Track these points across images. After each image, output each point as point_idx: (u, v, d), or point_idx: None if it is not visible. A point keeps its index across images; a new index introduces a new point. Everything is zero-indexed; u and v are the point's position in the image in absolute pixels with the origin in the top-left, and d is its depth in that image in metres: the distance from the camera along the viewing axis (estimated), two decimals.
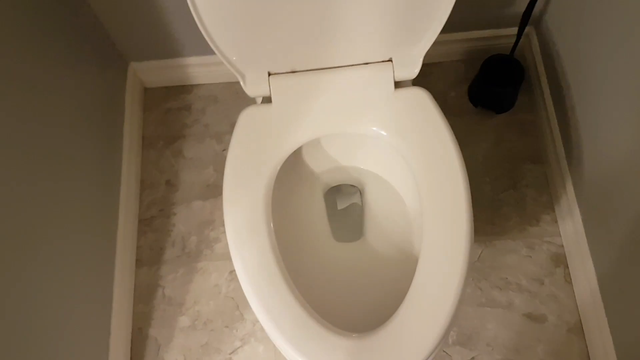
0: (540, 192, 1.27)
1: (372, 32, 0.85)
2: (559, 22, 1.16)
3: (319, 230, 1.02)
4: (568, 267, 1.20)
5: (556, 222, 1.24)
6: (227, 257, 1.24)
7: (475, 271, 1.21)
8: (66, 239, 0.96)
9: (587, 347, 1.14)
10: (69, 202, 0.99)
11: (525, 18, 1.14)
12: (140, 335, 1.19)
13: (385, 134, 0.88)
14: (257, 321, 1.18)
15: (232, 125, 0.90)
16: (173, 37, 1.22)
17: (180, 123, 1.37)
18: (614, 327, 1.03)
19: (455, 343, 1.16)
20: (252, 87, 0.90)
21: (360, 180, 1.06)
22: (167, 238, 1.27)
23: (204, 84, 1.40)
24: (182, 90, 1.40)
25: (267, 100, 0.92)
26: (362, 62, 0.90)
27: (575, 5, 1.07)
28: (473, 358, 1.14)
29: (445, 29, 1.27)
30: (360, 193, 1.05)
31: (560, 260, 1.21)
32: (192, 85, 1.40)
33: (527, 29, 1.27)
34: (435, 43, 0.89)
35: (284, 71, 0.90)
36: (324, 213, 1.04)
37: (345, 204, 1.04)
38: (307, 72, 0.90)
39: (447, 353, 1.15)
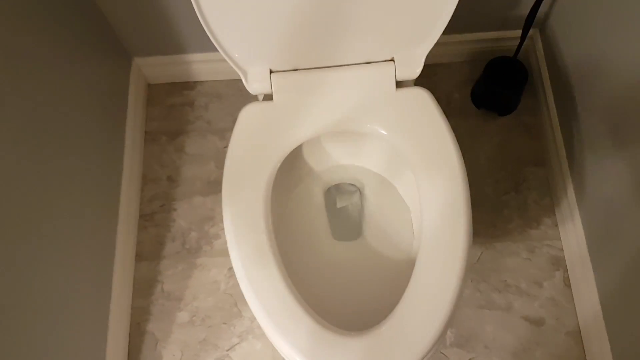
0: (541, 195, 1.26)
1: (374, 32, 0.85)
2: (563, 25, 1.15)
3: (317, 229, 1.02)
4: (567, 271, 1.19)
5: (557, 225, 1.24)
6: (226, 253, 1.23)
7: (475, 273, 1.21)
8: (66, 232, 0.97)
9: (584, 351, 1.13)
10: (69, 195, 0.99)
11: (530, 20, 1.13)
12: (138, 329, 1.19)
13: (385, 133, 0.88)
14: (256, 319, 1.18)
15: (235, 122, 0.91)
16: (177, 33, 1.23)
17: (183, 119, 1.37)
18: (612, 331, 1.03)
19: (453, 344, 1.16)
20: (254, 85, 0.90)
21: (360, 179, 1.06)
22: (167, 233, 1.27)
23: (208, 81, 1.40)
24: (185, 87, 1.40)
25: (268, 97, 0.92)
26: (364, 61, 0.90)
27: (579, 8, 1.07)
28: None
29: (450, 31, 1.27)
30: (360, 192, 1.05)
31: (560, 263, 1.20)
32: (196, 82, 1.40)
33: (531, 31, 1.27)
34: (439, 44, 0.89)
35: (286, 69, 0.90)
36: (323, 211, 1.04)
37: (344, 202, 1.04)
38: (309, 70, 0.90)
39: (444, 354, 1.15)
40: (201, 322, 1.19)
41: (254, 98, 1.02)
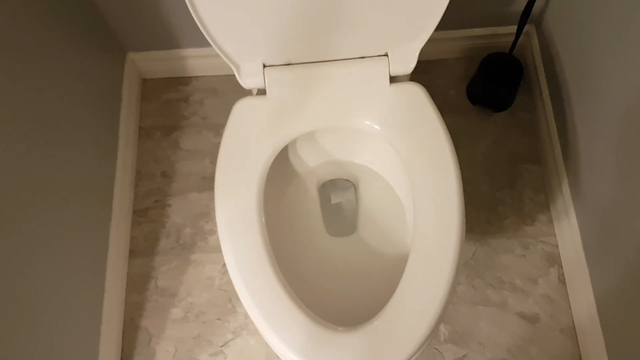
0: (536, 192, 1.26)
1: (367, 27, 0.85)
2: (559, 21, 1.15)
3: (312, 224, 1.02)
4: (562, 268, 1.19)
5: (552, 222, 1.23)
6: (221, 249, 1.24)
7: (470, 269, 1.21)
8: (59, 227, 0.96)
9: (579, 348, 1.13)
10: (62, 190, 0.99)
11: (525, 16, 1.13)
12: (132, 325, 1.19)
13: (379, 128, 0.88)
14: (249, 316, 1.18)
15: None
16: (172, 27, 1.22)
17: (177, 115, 1.37)
18: (606, 328, 1.03)
19: (447, 341, 1.15)
20: (247, 79, 0.90)
21: (354, 174, 1.06)
22: (161, 229, 1.27)
23: (203, 76, 1.40)
24: (180, 82, 1.39)
25: (262, 92, 0.92)
26: (357, 56, 0.90)
27: (575, 4, 1.06)
28: (465, 356, 1.14)
29: (445, 26, 1.27)
30: (355, 187, 1.05)
31: (555, 260, 1.20)
32: (191, 77, 1.40)
33: (526, 27, 1.27)
34: (435, 40, 0.89)
35: (279, 63, 0.90)
36: (318, 207, 1.04)
37: (339, 198, 1.04)
38: (303, 64, 0.90)
39: (438, 350, 1.15)
40: (195, 318, 1.19)
41: (249, 93, 1.01)
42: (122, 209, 1.22)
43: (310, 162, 1.04)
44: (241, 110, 0.89)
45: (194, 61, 1.34)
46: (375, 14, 0.83)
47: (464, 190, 0.84)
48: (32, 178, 0.89)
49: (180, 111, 1.37)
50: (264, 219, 0.84)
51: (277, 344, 0.77)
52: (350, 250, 1.01)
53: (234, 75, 0.91)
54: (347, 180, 1.06)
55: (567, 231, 1.16)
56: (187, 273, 1.23)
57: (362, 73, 0.89)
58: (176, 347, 1.17)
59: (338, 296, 0.94)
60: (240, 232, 0.83)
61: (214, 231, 1.26)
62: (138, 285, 1.22)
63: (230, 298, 1.20)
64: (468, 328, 1.16)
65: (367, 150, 1.02)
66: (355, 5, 0.82)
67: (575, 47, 1.08)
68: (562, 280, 1.19)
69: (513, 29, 1.22)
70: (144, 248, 1.25)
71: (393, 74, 0.89)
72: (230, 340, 1.17)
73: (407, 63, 0.89)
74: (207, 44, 1.24)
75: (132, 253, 1.25)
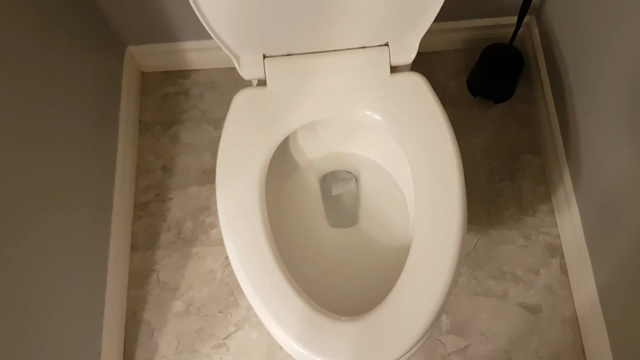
0: (537, 183, 1.26)
1: (368, 16, 0.85)
2: (560, 11, 1.15)
3: (313, 216, 1.02)
4: (564, 258, 1.19)
5: (553, 213, 1.23)
6: (222, 242, 1.20)
7: (471, 261, 1.21)
8: (60, 222, 0.96)
9: (581, 338, 1.13)
10: (63, 185, 0.98)
11: (525, 7, 1.13)
12: (134, 319, 1.19)
13: (380, 118, 0.88)
14: (252, 307, 1.18)
15: None
16: (171, 20, 1.22)
17: (177, 108, 1.36)
18: (609, 318, 1.03)
19: (449, 331, 1.15)
20: (247, 70, 0.90)
21: (355, 166, 1.06)
22: (162, 223, 1.26)
23: (202, 70, 1.39)
24: (179, 75, 1.39)
25: (262, 83, 0.91)
26: (358, 46, 0.90)
27: None
28: (466, 347, 1.14)
29: (445, 17, 1.26)
30: (356, 179, 1.05)
31: (556, 251, 1.20)
32: (190, 71, 1.39)
33: (527, 17, 1.26)
34: (435, 32, 0.88)
35: (280, 54, 0.90)
36: (319, 198, 1.03)
37: (340, 190, 1.04)
38: (303, 55, 0.90)
39: (440, 341, 1.15)
40: (197, 311, 1.19)
41: (248, 85, 1.01)
42: (122, 203, 1.21)
43: (311, 153, 1.04)
44: (242, 101, 0.89)
45: (194, 54, 1.34)
46: (376, 3, 0.83)
47: (465, 182, 0.84)
48: (33, 174, 0.89)
49: (179, 105, 1.37)
50: (265, 211, 0.84)
51: (278, 333, 0.77)
52: (351, 242, 1.01)
53: (234, 69, 0.91)
54: (348, 172, 1.06)
55: (568, 221, 1.16)
56: (188, 267, 1.23)
57: (362, 63, 0.89)
58: (178, 340, 1.17)
59: (339, 287, 0.94)
60: (241, 222, 0.83)
61: (214, 225, 1.26)
62: (139, 279, 1.22)
63: (232, 291, 1.20)
64: (469, 319, 1.16)
65: (368, 142, 1.02)
66: None
67: (576, 37, 1.08)
68: (563, 270, 1.19)
69: (513, 19, 1.21)
70: (144, 242, 1.25)
71: (394, 64, 0.89)
72: (232, 333, 1.17)
73: (408, 53, 0.89)
74: (207, 37, 1.24)
75: (133, 247, 1.25)
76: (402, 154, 0.88)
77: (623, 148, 0.93)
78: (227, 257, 1.23)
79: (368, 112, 0.88)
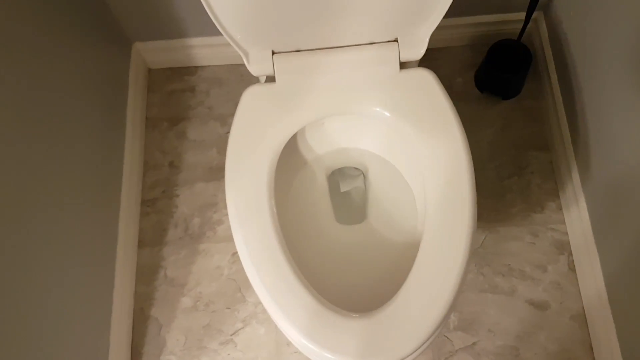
0: (545, 179, 1.26)
1: (378, 12, 0.84)
2: (568, 7, 1.14)
3: (321, 212, 1.02)
4: (572, 255, 1.19)
5: (561, 209, 1.23)
6: (229, 239, 1.23)
7: (478, 257, 1.20)
8: (68, 219, 0.96)
9: (589, 335, 1.13)
10: (71, 182, 0.98)
11: (534, 2, 1.12)
12: (142, 315, 1.19)
13: (389, 114, 0.87)
14: (259, 303, 1.18)
15: (237, 106, 0.90)
16: (178, 17, 1.21)
17: (184, 105, 1.36)
18: (617, 315, 1.03)
19: (456, 328, 1.15)
20: (256, 66, 0.90)
21: (364, 162, 1.05)
22: (169, 219, 1.27)
23: (209, 66, 1.39)
24: (186, 72, 1.39)
25: (270, 79, 0.91)
26: (367, 42, 0.89)
27: None
28: (474, 343, 1.14)
29: (453, 13, 1.25)
30: (364, 176, 1.05)
31: (564, 247, 1.20)
32: (197, 67, 1.39)
33: (535, 13, 1.26)
34: (442, 27, 0.88)
35: (289, 50, 0.89)
36: (327, 195, 1.03)
37: (348, 186, 1.04)
38: (312, 51, 0.89)
39: (448, 338, 1.15)
40: (205, 307, 1.19)
41: (256, 81, 1.01)
42: (130, 199, 1.22)
43: (319, 150, 1.03)
44: (251, 97, 0.89)
45: (200, 51, 1.33)
46: None
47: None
48: (40, 170, 0.89)
49: (186, 101, 1.36)
50: (274, 207, 0.84)
51: (287, 328, 0.77)
52: (360, 238, 1.01)
53: (240, 65, 0.91)
54: (356, 168, 1.06)
55: (576, 218, 1.16)
56: (196, 263, 1.23)
57: (372, 59, 0.89)
58: (186, 336, 1.17)
59: (347, 283, 0.94)
60: (251, 217, 0.83)
61: (222, 221, 1.26)
62: (147, 276, 1.22)
63: (239, 287, 1.20)
64: (477, 315, 1.16)
65: (377, 138, 1.01)
66: None
67: (584, 33, 1.08)
68: (571, 267, 1.18)
69: (521, 15, 1.21)
70: (152, 238, 1.25)
71: (403, 59, 0.89)
72: (240, 329, 1.17)
73: (417, 48, 0.89)
74: (214, 33, 1.25)
75: (141, 243, 1.25)
76: (410, 151, 0.88)
77: (632, 144, 0.92)
78: (234, 254, 1.23)
79: (377, 108, 0.88)
